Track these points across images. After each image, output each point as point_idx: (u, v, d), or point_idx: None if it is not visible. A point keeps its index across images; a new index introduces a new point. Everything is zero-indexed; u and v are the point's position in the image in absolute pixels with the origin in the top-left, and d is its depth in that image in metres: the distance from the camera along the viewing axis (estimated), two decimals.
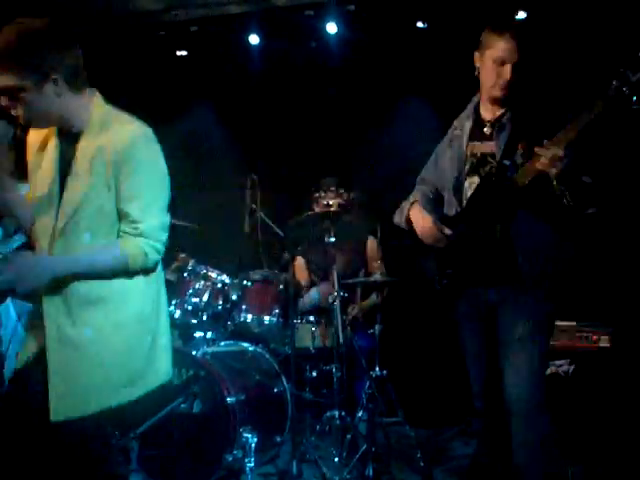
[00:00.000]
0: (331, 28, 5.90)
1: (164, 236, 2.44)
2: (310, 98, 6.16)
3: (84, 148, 2.38)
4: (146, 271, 2.43)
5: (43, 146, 2.49)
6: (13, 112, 2.33)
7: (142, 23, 6.13)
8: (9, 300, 4.07)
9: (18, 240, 3.79)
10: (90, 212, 2.35)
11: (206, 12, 6.06)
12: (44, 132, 2.49)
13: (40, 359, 2.37)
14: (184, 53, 6.38)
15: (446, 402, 4.85)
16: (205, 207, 5.72)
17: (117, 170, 2.34)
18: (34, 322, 2.43)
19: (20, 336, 2.77)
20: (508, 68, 2.85)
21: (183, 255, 4.49)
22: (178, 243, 4.42)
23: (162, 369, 2.50)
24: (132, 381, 2.38)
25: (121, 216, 2.38)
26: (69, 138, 2.43)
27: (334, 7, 5.86)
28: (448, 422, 4.95)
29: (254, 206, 4.51)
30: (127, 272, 2.37)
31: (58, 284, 2.32)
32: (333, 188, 4.84)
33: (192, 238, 4.46)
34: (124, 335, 2.38)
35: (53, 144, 2.46)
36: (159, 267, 2.52)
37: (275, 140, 6.24)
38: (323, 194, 4.83)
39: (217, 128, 6.47)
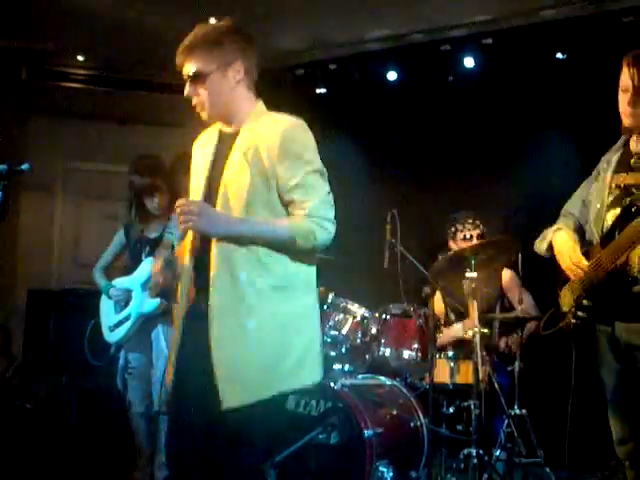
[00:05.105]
0: (468, 62, 5.92)
1: (330, 213, 2.52)
2: (447, 132, 6.16)
3: (239, 145, 2.53)
4: (314, 250, 2.53)
5: (202, 151, 2.69)
6: (194, 101, 2.57)
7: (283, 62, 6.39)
8: (160, 329, 4.30)
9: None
10: (258, 207, 2.47)
11: (345, 51, 6.24)
12: (206, 140, 2.69)
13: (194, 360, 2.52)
14: (323, 90, 6.55)
15: (589, 445, 4.66)
16: (345, 241, 5.79)
17: (276, 161, 2.45)
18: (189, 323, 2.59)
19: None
20: (625, 96, 2.82)
21: (322, 288, 4.58)
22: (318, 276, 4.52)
23: (315, 371, 2.57)
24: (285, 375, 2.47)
25: (288, 204, 2.50)
26: (226, 139, 2.61)
27: (471, 41, 5.89)
28: (590, 466, 4.75)
29: (394, 240, 4.54)
30: (295, 248, 2.47)
31: (233, 273, 2.46)
32: (470, 220, 4.82)
33: (332, 272, 4.54)
34: (285, 329, 2.48)
35: (211, 148, 2.65)
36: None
37: (414, 174, 6.29)
38: (460, 227, 4.81)
39: (357, 163, 6.56)
